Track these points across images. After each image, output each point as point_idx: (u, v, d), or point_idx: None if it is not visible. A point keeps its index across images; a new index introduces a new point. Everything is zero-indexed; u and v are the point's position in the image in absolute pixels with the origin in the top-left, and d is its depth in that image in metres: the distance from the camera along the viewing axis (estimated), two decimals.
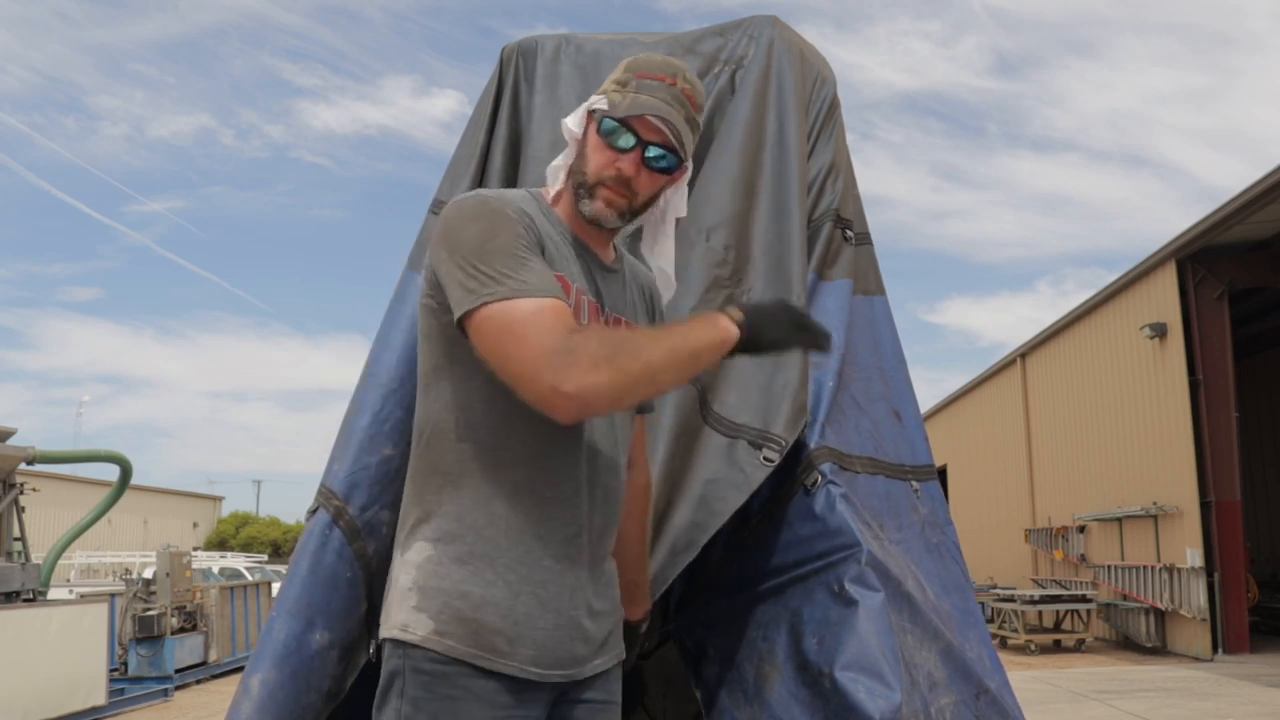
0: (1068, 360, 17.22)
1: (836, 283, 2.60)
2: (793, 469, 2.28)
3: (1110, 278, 16.63)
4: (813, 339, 1.73)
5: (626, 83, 1.80)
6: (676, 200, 1.93)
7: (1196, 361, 12.92)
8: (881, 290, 2.78)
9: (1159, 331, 13.45)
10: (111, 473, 13.03)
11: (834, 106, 2.79)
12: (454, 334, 1.67)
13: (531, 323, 1.54)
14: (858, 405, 2.48)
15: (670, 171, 1.83)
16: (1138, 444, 14.38)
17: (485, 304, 1.57)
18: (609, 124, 1.77)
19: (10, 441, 10.35)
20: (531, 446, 1.68)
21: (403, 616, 1.65)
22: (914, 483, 2.56)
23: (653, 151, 1.78)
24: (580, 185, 1.80)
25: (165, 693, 11.29)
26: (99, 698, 9.93)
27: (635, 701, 3.04)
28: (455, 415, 1.70)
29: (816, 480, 2.24)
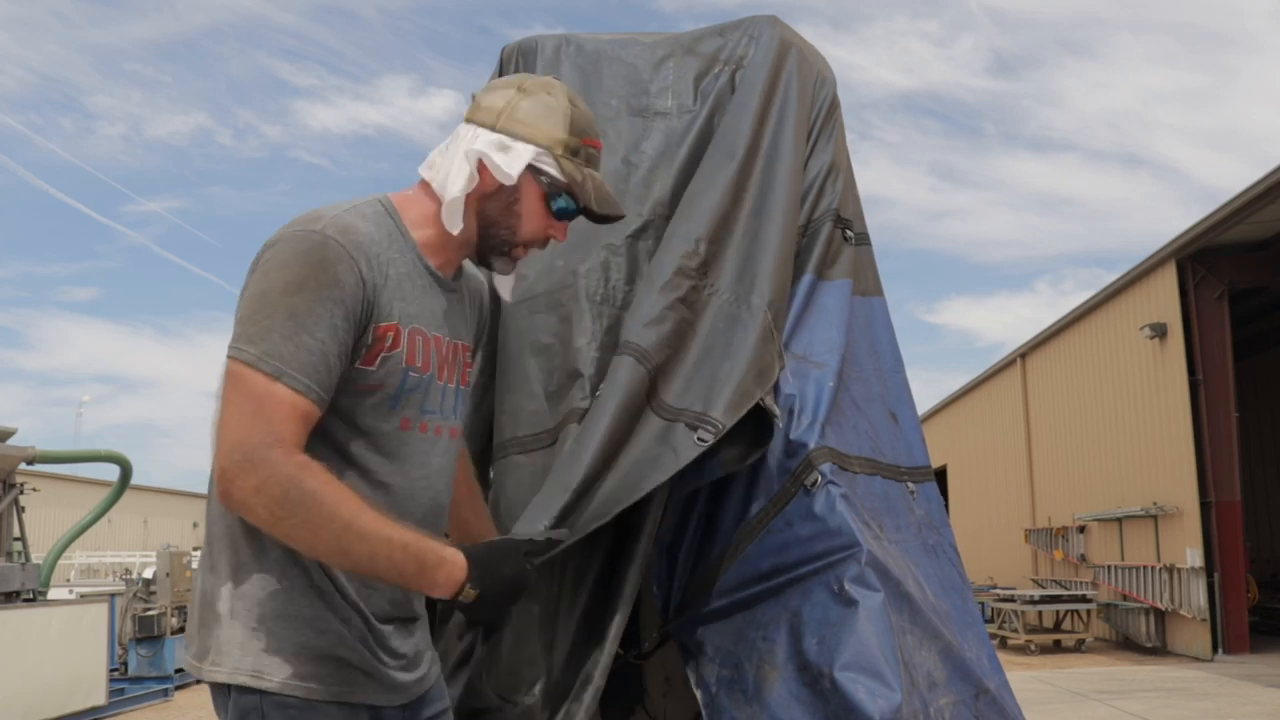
0: (1068, 360, 17.22)
1: (836, 283, 2.60)
2: (792, 469, 2.29)
3: (1109, 278, 16.64)
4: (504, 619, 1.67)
5: (577, 151, 1.75)
6: None
7: (1196, 361, 12.91)
8: (880, 291, 2.78)
9: (1159, 331, 13.45)
10: (111, 473, 13.01)
11: (834, 107, 2.80)
12: None
13: (251, 404, 1.47)
14: (856, 406, 2.48)
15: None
16: (1138, 444, 14.38)
17: (233, 357, 1.50)
18: (566, 206, 1.75)
19: (10, 441, 10.34)
20: (374, 490, 1.62)
21: (250, 660, 1.54)
22: (910, 484, 2.56)
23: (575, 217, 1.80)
24: (505, 242, 1.74)
25: (165, 693, 11.29)
26: (99, 698, 9.93)
27: (635, 701, 3.04)
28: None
29: (817, 480, 2.24)
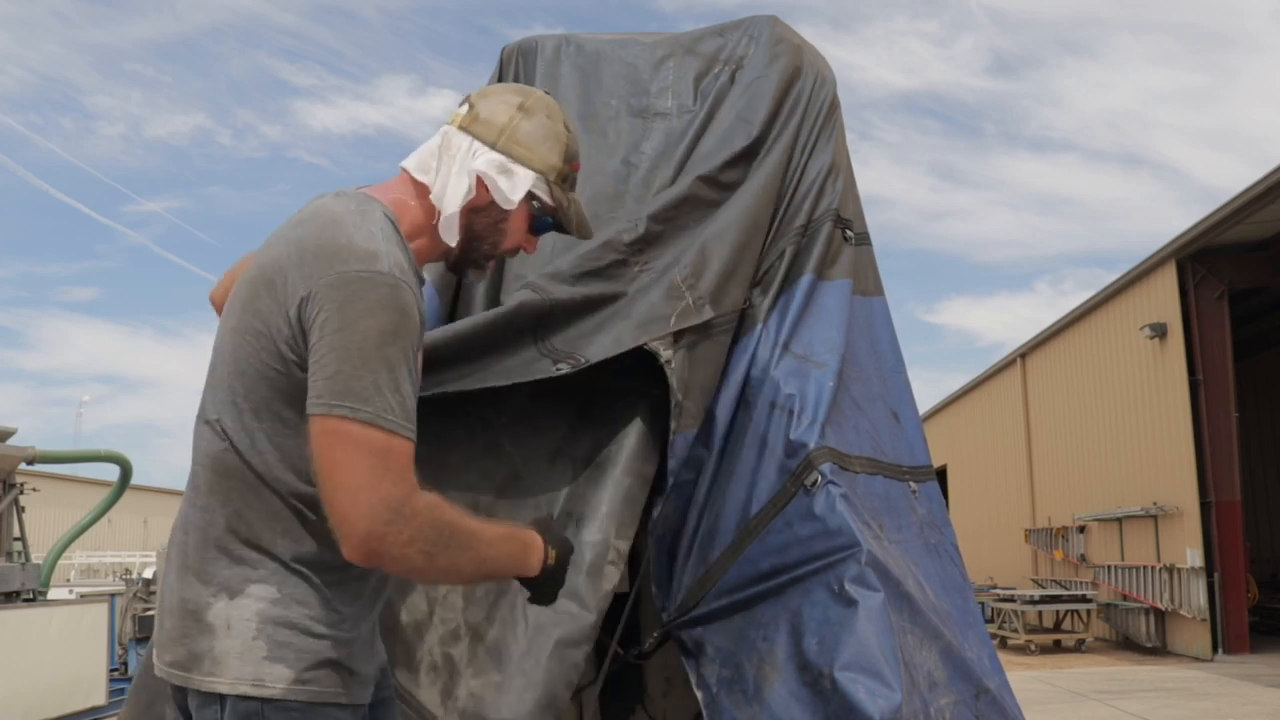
0: (1068, 360, 17.22)
1: (836, 282, 2.60)
2: (792, 469, 2.29)
3: (1109, 278, 16.65)
4: (553, 598, 1.82)
5: (567, 178, 1.83)
6: None
7: (1196, 361, 12.92)
8: (880, 291, 2.78)
9: (1159, 331, 13.45)
10: (111, 473, 13.00)
11: (834, 107, 2.79)
12: (301, 385, 1.56)
13: (380, 460, 1.49)
14: (856, 406, 2.48)
15: None
16: (1138, 444, 14.38)
17: (346, 417, 1.49)
18: (548, 224, 1.85)
19: (10, 441, 10.34)
20: None
21: (251, 669, 1.55)
22: (912, 483, 2.56)
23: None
24: (486, 255, 1.81)
25: None
26: (99, 698, 9.92)
27: (635, 701, 3.04)
28: (290, 474, 1.60)
29: (816, 480, 2.24)
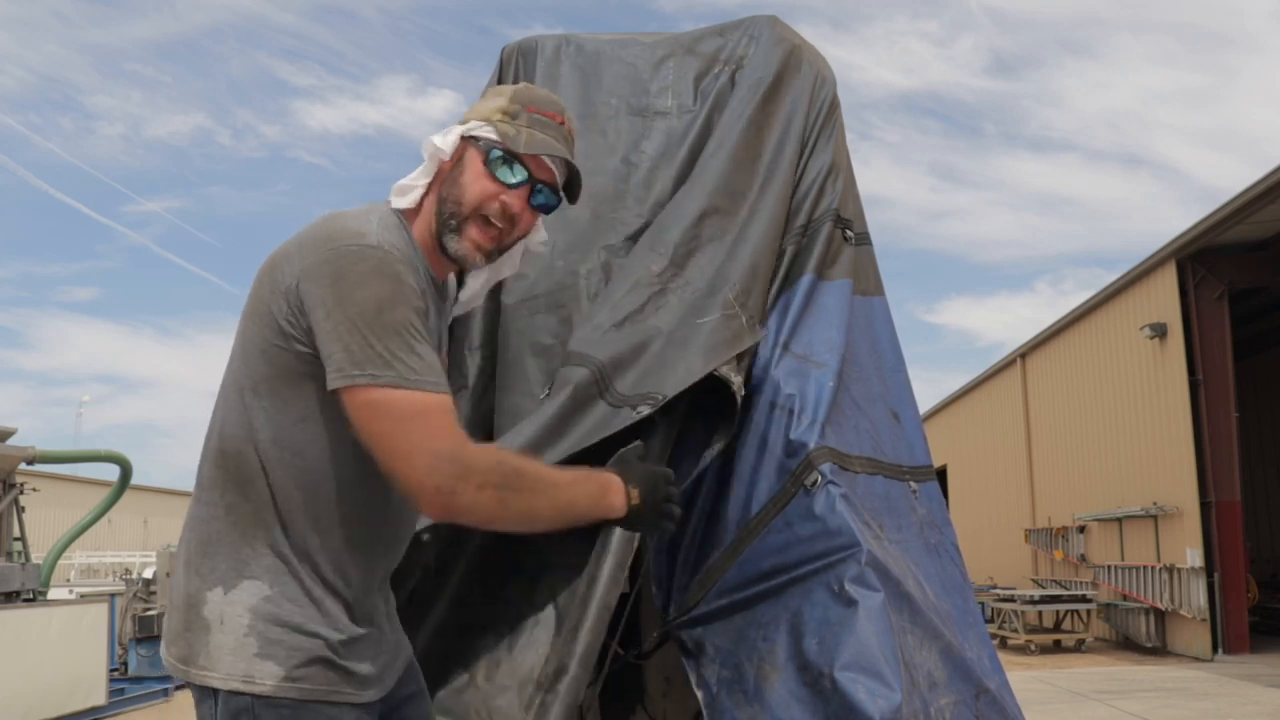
0: (1068, 360, 17.22)
1: (836, 282, 2.60)
2: (792, 469, 2.29)
3: (1109, 278, 16.64)
4: (669, 527, 1.84)
5: (516, 115, 1.76)
6: (535, 239, 1.89)
7: (1196, 361, 12.91)
8: (881, 291, 2.78)
9: (1159, 331, 13.45)
10: (111, 473, 13.01)
11: (834, 106, 2.79)
12: (310, 373, 1.59)
13: (422, 421, 1.53)
14: (857, 406, 2.48)
15: (550, 210, 1.83)
16: (1138, 444, 14.38)
17: (371, 385, 1.52)
18: (498, 154, 1.74)
19: (10, 441, 10.34)
20: (365, 499, 1.67)
21: (243, 665, 1.57)
22: (912, 483, 2.56)
23: (540, 190, 1.78)
24: (452, 216, 1.72)
25: (165, 693, 11.29)
26: (99, 698, 9.93)
27: (635, 701, 3.04)
28: (292, 456, 1.62)
29: (816, 480, 2.24)
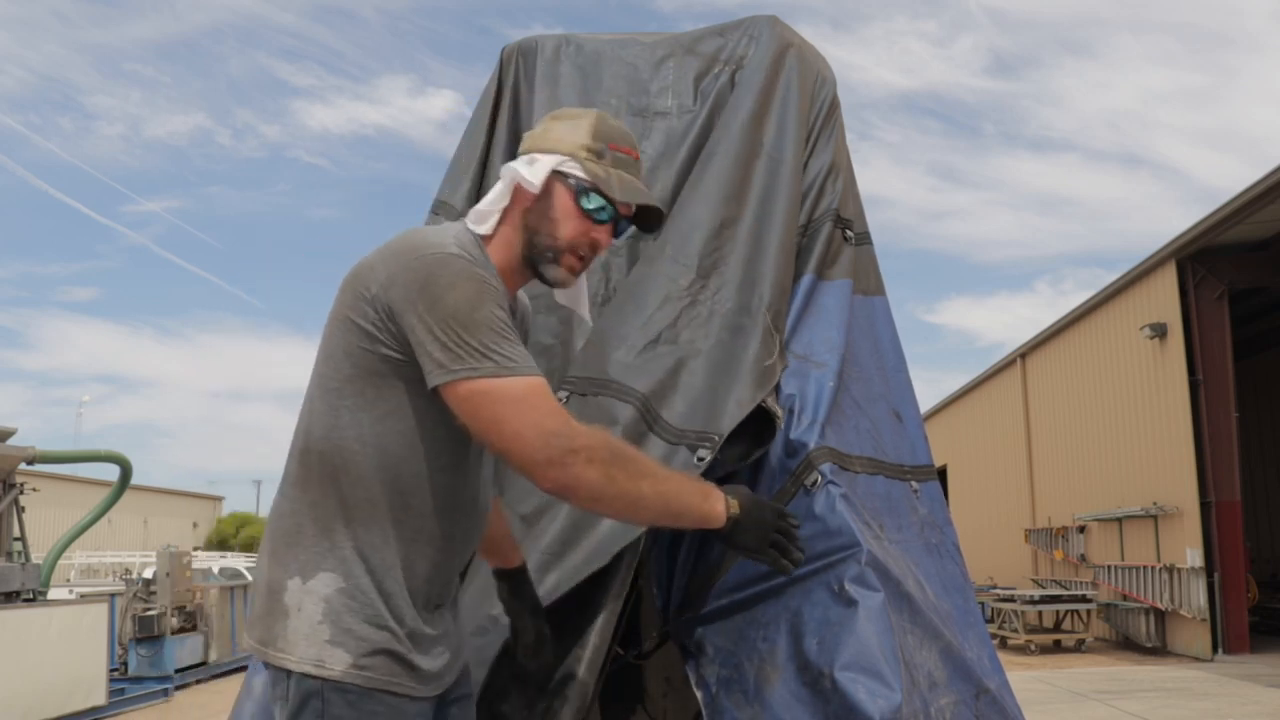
0: (1068, 360, 17.22)
1: (836, 282, 2.60)
2: (792, 469, 2.29)
3: (1109, 278, 16.65)
4: (780, 559, 1.85)
5: (601, 154, 1.85)
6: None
7: (1196, 361, 12.91)
8: (882, 290, 2.78)
9: (1159, 331, 13.45)
10: (111, 473, 13.02)
11: (834, 106, 2.79)
12: (394, 373, 1.69)
13: (528, 403, 1.62)
14: (857, 405, 2.48)
15: (622, 235, 1.95)
16: (1138, 444, 14.38)
17: (473, 377, 1.62)
18: (596, 200, 1.83)
19: (10, 441, 10.35)
20: (440, 494, 1.76)
21: (315, 651, 1.66)
22: (913, 483, 2.56)
23: (623, 225, 1.90)
24: (549, 249, 1.82)
25: (165, 693, 11.29)
26: (99, 698, 9.93)
27: (635, 701, 3.04)
28: (374, 452, 1.71)
29: (816, 480, 2.24)
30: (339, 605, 1.68)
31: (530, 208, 1.83)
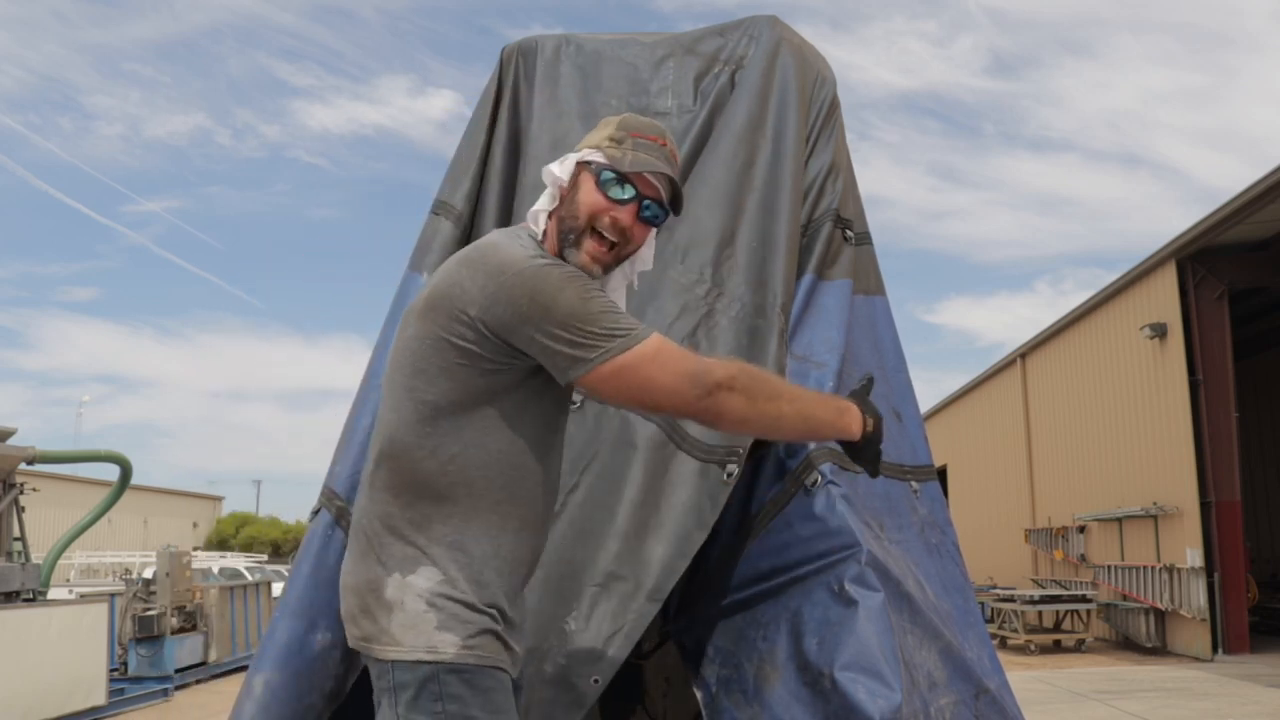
0: (1068, 360, 17.22)
1: (836, 282, 2.60)
2: (792, 469, 2.29)
3: (1109, 278, 16.64)
4: (880, 472, 2.06)
5: (622, 140, 1.94)
6: (645, 253, 2.03)
7: (1196, 361, 12.91)
8: (882, 290, 2.78)
9: (1159, 331, 13.45)
10: (111, 473, 13.02)
11: (834, 106, 2.79)
12: (494, 382, 1.82)
13: (664, 355, 1.80)
14: None
15: (658, 224, 1.98)
16: (1138, 444, 14.38)
17: (611, 357, 1.78)
18: (609, 175, 1.91)
19: (10, 441, 10.35)
20: (539, 481, 1.90)
21: (424, 639, 1.76)
22: (913, 483, 2.56)
23: (648, 205, 1.94)
24: (570, 231, 1.91)
25: (165, 693, 11.28)
26: (99, 698, 9.93)
27: (635, 701, 3.04)
28: (476, 453, 1.83)
29: (817, 480, 2.24)
30: (441, 594, 1.78)
31: (563, 202, 1.94)
